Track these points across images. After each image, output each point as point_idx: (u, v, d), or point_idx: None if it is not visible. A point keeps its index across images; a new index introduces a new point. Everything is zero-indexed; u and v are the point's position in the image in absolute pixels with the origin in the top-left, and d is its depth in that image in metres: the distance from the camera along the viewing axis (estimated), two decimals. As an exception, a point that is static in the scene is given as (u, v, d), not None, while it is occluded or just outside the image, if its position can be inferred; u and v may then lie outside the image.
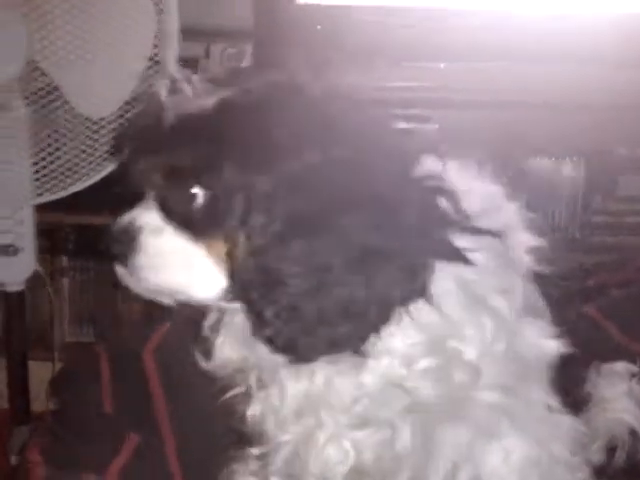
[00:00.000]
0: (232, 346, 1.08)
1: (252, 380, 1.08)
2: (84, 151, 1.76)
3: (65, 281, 2.69)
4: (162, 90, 1.04)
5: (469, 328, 0.99)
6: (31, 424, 2.10)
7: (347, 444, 1.03)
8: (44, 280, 2.52)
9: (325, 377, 1.01)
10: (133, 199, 1.04)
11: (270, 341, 0.97)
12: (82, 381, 1.44)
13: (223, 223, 0.97)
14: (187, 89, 1.03)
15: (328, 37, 2.36)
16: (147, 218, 1.02)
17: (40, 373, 2.25)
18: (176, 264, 1.01)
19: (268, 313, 0.95)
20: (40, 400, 2.27)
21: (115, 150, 1.10)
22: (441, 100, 2.21)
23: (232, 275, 0.98)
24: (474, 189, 1.03)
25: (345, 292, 0.93)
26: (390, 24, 2.22)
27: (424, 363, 0.99)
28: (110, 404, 1.37)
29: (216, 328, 1.11)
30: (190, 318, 1.14)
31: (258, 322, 0.97)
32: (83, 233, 2.73)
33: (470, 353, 0.99)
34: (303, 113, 0.98)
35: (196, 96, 1.02)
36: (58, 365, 2.36)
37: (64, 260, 2.73)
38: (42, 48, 1.63)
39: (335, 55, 2.28)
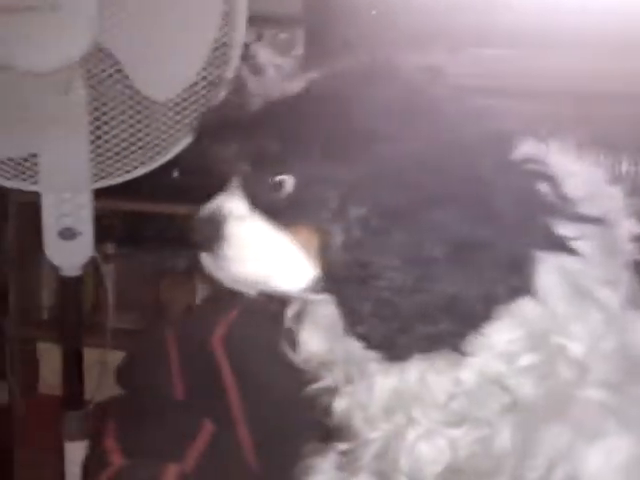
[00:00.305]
0: (318, 338, 1.05)
1: (338, 374, 1.04)
2: (147, 135, 1.73)
3: (110, 268, 2.67)
4: (246, 74, 1.01)
5: (575, 323, 0.93)
6: (83, 409, 2.10)
7: (442, 442, 0.98)
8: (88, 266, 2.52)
9: (419, 373, 0.97)
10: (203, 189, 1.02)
11: (364, 338, 0.93)
12: (151, 367, 1.42)
13: (314, 213, 0.94)
14: (272, 72, 1.01)
15: (384, 22, 2.33)
16: (232, 206, 0.99)
17: (89, 359, 2.26)
18: (262, 254, 0.98)
19: (364, 309, 0.91)
20: (90, 385, 2.28)
21: (197, 136, 1.07)
22: (501, 88, 2.17)
23: (322, 267, 0.95)
24: (576, 173, 0.98)
25: (449, 287, 0.89)
26: (450, 8, 2.19)
27: (526, 360, 0.93)
28: (181, 391, 1.35)
29: (298, 319, 1.08)
30: (261, 306, 1.10)
31: (352, 318, 0.93)
32: (130, 220, 2.73)
33: (576, 349, 0.93)
34: (397, 97, 0.93)
35: (282, 79, 0.99)
36: (110, 351, 2.36)
37: (110, 247, 2.72)
38: (108, 28, 1.60)
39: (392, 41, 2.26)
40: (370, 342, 0.93)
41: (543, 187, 0.93)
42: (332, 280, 0.94)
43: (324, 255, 0.94)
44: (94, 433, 1.36)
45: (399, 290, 0.89)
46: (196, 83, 1.68)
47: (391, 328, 0.91)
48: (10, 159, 1.74)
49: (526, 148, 0.97)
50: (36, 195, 1.88)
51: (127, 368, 1.51)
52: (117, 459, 1.24)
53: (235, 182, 1.00)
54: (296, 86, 0.97)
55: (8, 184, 1.76)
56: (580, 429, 0.96)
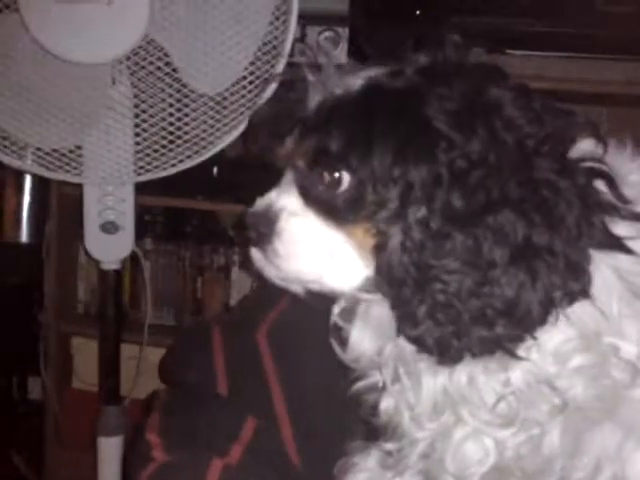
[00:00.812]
0: (369, 338, 1.03)
1: (386, 373, 1.02)
2: (193, 129, 1.72)
3: (147, 264, 2.67)
4: (305, 70, 0.99)
5: (629, 323, 0.92)
6: (121, 405, 2.09)
7: (489, 442, 0.97)
8: (126, 262, 2.52)
9: (469, 375, 0.95)
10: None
11: (417, 341, 0.91)
12: (195, 363, 1.40)
13: (371, 213, 0.92)
14: (330, 68, 0.99)
15: (428, 22, 2.31)
16: (286, 202, 0.98)
17: (126, 355, 2.25)
18: (315, 252, 0.96)
19: (420, 312, 0.89)
20: (127, 382, 2.28)
21: (253, 132, 1.06)
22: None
23: (377, 268, 0.93)
24: (632, 172, 0.97)
25: (510, 290, 0.87)
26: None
27: (578, 360, 0.92)
28: (225, 386, 1.33)
29: (347, 316, 1.06)
30: (305, 302, 1.08)
31: (406, 320, 0.91)
32: (170, 216, 2.72)
33: (629, 350, 0.92)
34: (463, 97, 0.92)
35: (341, 76, 0.98)
36: (146, 348, 2.35)
37: (147, 243, 2.71)
38: (159, 20, 1.59)
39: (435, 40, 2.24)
40: (424, 345, 0.91)
41: (600, 185, 0.92)
42: (387, 281, 0.92)
43: (380, 256, 0.92)
44: (136, 427, 1.34)
45: (456, 294, 0.88)
46: (244, 77, 1.66)
47: (446, 332, 0.89)
48: (55, 150, 1.74)
49: (583, 147, 0.95)
50: (77, 189, 1.88)
51: (171, 363, 1.50)
52: (159, 454, 1.22)
53: (289, 178, 0.99)
54: (356, 83, 0.96)
55: (52, 175, 1.76)
56: (630, 430, 0.94)
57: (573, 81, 2.11)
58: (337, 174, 0.94)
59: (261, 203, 1.00)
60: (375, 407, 1.05)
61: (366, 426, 1.11)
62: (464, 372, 0.96)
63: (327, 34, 2.27)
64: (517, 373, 0.94)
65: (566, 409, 0.94)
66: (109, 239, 1.87)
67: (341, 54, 2.24)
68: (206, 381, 1.34)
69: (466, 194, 0.88)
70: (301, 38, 2.31)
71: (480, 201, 0.88)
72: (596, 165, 0.93)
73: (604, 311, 0.91)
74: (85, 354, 2.72)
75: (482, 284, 0.87)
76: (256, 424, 1.27)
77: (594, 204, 0.91)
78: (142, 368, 2.38)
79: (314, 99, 0.97)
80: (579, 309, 0.91)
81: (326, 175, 0.94)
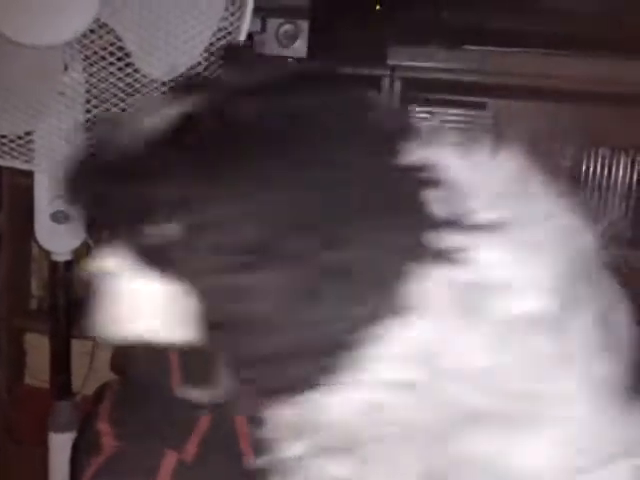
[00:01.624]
0: None
1: None
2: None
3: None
4: None
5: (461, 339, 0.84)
6: (72, 400, 2.05)
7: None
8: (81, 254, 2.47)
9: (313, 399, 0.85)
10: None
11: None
12: (149, 354, 1.37)
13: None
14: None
15: (388, 16, 2.31)
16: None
17: (79, 350, 2.21)
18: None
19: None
20: (79, 378, 2.24)
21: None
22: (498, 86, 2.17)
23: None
24: (484, 178, 0.87)
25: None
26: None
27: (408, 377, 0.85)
28: (178, 379, 1.30)
29: None
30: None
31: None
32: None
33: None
34: None
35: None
36: (100, 344, 2.31)
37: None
38: (110, 2, 1.55)
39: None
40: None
41: (432, 196, 0.83)
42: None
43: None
44: (85, 417, 1.30)
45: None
46: (199, 64, 1.63)
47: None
48: (3, 136, 1.69)
49: (420, 152, 0.85)
50: (30, 179, 1.83)
51: (124, 354, 1.46)
52: (110, 442, 1.19)
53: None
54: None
55: (0, 162, 1.70)
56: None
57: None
58: (168, 222, 0.79)
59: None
60: None
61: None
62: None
63: (287, 27, 2.25)
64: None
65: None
66: (60, 229, 1.82)
67: (301, 47, 2.22)
68: (161, 374, 1.31)
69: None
70: (261, 30, 2.29)
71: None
72: (430, 174, 0.83)
73: (439, 328, 0.83)
74: (39, 350, 2.66)
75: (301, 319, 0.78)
76: (212, 418, 1.24)
77: (423, 217, 0.82)
78: (95, 364, 2.34)
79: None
80: (414, 328, 0.83)
81: (154, 225, 0.80)
